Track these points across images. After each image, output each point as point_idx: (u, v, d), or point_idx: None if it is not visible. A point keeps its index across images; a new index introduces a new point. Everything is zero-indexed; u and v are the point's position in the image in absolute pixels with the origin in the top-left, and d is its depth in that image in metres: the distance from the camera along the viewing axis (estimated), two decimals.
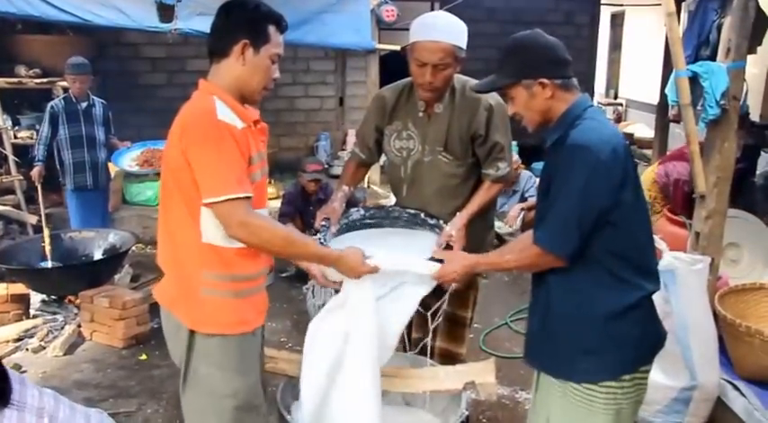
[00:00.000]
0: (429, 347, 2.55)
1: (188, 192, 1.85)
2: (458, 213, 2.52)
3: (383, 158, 2.95)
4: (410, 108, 2.62)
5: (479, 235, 2.65)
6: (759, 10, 3.15)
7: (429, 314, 2.45)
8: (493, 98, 2.51)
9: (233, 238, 1.86)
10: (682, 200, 4.38)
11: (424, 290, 2.24)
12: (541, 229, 1.85)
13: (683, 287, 2.89)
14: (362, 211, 2.62)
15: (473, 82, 2.39)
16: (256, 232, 1.85)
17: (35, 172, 4.89)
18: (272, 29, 1.96)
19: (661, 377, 2.87)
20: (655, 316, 1.93)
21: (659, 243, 2.86)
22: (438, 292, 2.35)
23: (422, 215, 2.54)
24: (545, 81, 1.83)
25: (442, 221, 2.49)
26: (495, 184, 2.64)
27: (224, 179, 1.80)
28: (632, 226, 1.80)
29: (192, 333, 1.95)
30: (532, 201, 5.67)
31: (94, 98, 5.08)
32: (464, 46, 2.44)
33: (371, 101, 2.80)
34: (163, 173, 1.97)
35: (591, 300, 1.83)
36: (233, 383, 1.97)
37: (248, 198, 1.84)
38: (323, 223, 2.48)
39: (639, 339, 1.87)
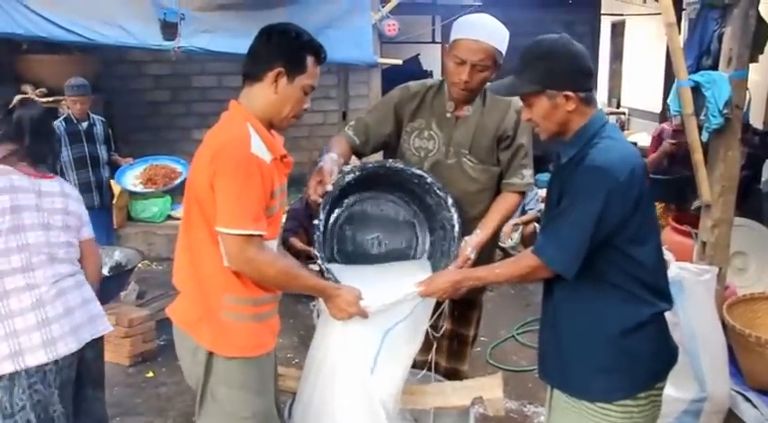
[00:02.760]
0: (434, 366, 2.54)
1: (210, 216, 1.86)
2: (476, 231, 2.40)
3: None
4: (437, 108, 2.53)
5: (486, 254, 2.52)
6: (760, 19, 3.16)
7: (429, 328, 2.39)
8: None
9: (236, 269, 1.87)
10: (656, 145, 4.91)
11: (421, 330, 2.25)
12: (548, 243, 1.81)
13: (690, 298, 2.88)
14: (357, 173, 2.32)
15: None
16: (260, 268, 1.87)
17: None
18: (309, 59, 1.93)
19: (670, 389, 2.81)
20: (668, 333, 1.91)
21: (665, 254, 2.85)
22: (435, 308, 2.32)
23: (428, 179, 2.36)
24: (570, 94, 1.77)
25: (450, 199, 2.34)
26: (516, 196, 2.53)
27: (241, 213, 1.81)
28: (642, 246, 1.77)
29: (210, 355, 1.94)
30: (530, 214, 5.60)
31: (94, 117, 5.10)
32: (504, 52, 2.39)
33: (396, 90, 2.62)
34: (187, 194, 1.97)
35: (603, 317, 1.80)
36: (251, 405, 1.98)
37: (260, 236, 1.85)
38: (317, 222, 2.25)
39: (654, 355, 1.84)
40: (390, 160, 2.42)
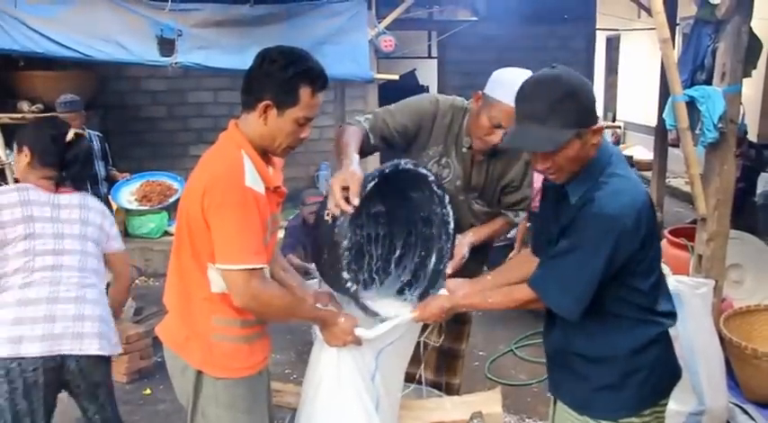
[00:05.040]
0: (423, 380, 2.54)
1: (198, 245, 1.84)
2: (469, 233, 2.45)
3: None
4: (458, 138, 2.47)
5: (473, 269, 2.53)
6: (752, 34, 3.19)
7: (422, 342, 2.43)
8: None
9: (240, 306, 1.84)
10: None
11: (411, 344, 2.26)
12: (551, 283, 1.76)
13: (687, 311, 2.88)
14: (376, 179, 2.04)
15: None
16: (266, 302, 1.85)
17: None
18: (304, 90, 1.80)
19: (669, 402, 2.82)
20: (672, 350, 1.91)
21: (662, 267, 2.86)
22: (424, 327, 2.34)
23: (430, 177, 2.21)
24: (597, 127, 1.68)
25: (447, 197, 2.25)
26: (507, 224, 2.61)
27: (241, 248, 1.77)
28: (647, 278, 1.75)
29: (199, 374, 1.93)
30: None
31: (90, 132, 5.08)
32: None
33: (427, 101, 2.50)
34: (179, 216, 1.94)
35: (611, 342, 1.79)
36: None
37: (263, 269, 1.83)
38: (346, 243, 1.98)
39: (660, 373, 1.83)
40: (402, 161, 2.18)
